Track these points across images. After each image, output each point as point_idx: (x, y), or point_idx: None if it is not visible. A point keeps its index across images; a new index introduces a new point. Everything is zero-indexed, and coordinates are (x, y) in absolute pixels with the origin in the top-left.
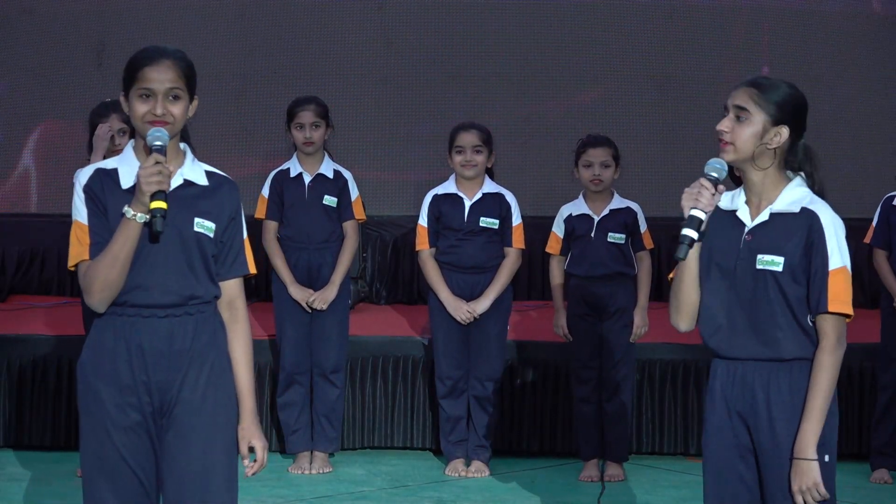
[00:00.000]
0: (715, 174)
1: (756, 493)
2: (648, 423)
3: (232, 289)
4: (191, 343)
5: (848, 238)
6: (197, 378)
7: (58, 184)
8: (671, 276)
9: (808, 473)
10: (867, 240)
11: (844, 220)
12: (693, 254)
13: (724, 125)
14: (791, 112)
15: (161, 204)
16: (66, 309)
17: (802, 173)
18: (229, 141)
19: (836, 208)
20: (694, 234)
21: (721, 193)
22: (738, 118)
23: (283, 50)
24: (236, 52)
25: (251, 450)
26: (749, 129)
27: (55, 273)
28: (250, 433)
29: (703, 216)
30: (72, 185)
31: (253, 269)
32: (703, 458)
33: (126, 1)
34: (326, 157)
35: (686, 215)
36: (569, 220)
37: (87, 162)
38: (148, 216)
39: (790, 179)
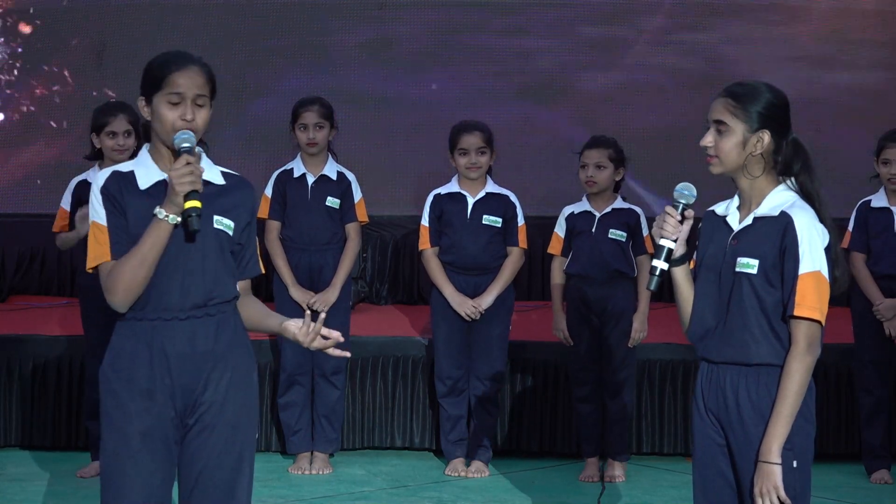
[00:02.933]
0: (683, 200)
1: (736, 488)
2: (648, 424)
3: (244, 288)
4: (213, 344)
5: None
6: (220, 379)
7: (58, 184)
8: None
9: (770, 476)
10: (844, 245)
11: (836, 219)
12: (681, 272)
13: (707, 140)
14: (769, 116)
15: (196, 203)
16: (66, 309)
17: (792, 178)
18: (230, 142)
19: (837, 209)
20: (663, 265)
21: (690, 218)
22: (718, 132)
23: (284, 50)
24: (236, 52)
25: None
26: (730, 142)
27: (55, 273)
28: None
29: (671, 245)
30: (68, 189)
31: (263, 270)
32: (692, 456)
33: (126, 1)
34: (330, 158)
35: (654, 246)
36: (570, 217)
37: (87, 163)
38: (180, 217)
39: (777, 183)
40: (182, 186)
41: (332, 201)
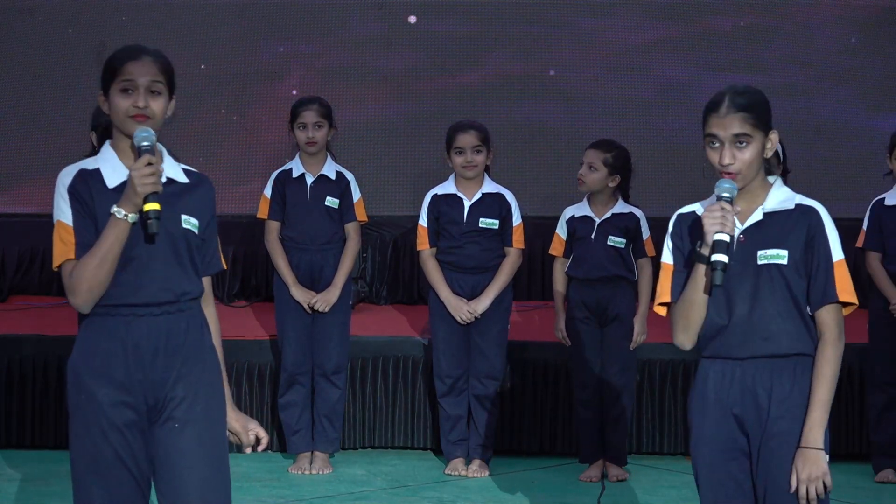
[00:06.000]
0: (728, 195)
1: (750, 495)
2: (648, 423)
3: (205, 285)
4: (184, 339)
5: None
6: (190, 373)
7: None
8: (662, 301)
9: (818, 463)
10: (859, 244)
11: (848, 220)
12: (701, 272)
13: (729, 158)
14: (770, 115)
15: (155, 206)
16: (66, 309)
17: (778, 175)
18: (229, 141)
19: (841, 209)
20: (725, 259)
21: (737, 213)
22: (739, 144)
23: (283, 50)
24: (236, 52)
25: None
26: (751, 153)
27: (55, 273)
28: (243, 419)
29: (728, 239)
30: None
31: (225, 266)
32: (694, 462)
33: (126, 1)
34: (329, 158)
35: (709, 240)
36: (571, 221)
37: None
38: (138, 217)
39: (771, 181)
40: (144, 188)
41: (331, 201)
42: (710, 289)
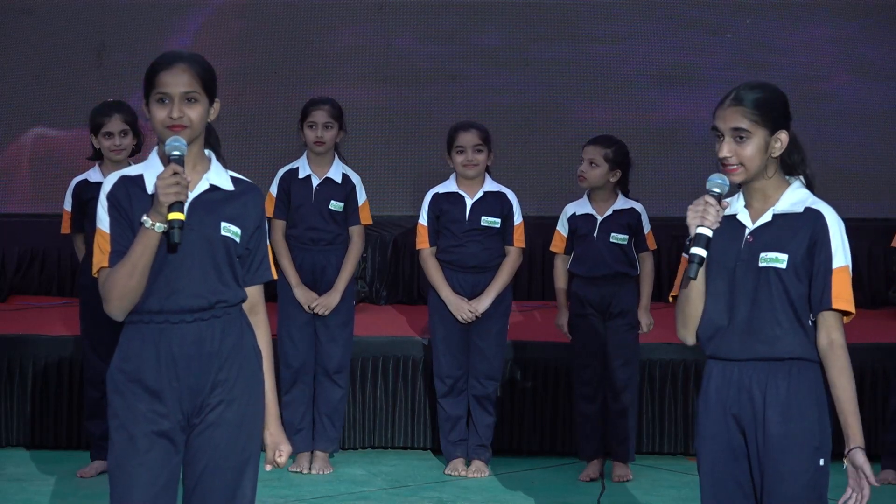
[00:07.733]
0: (717, 189)
1: (751, 495)
2: (649, 423)
3: (253, 295)
4: (219, 345)
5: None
6: (226, 379)
7: (58, 184)
8: (673, 294)
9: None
10: (894, 244)
11: (851, 220)
12: (700, 269)
13: (727, 151)
14: (782, 114)
15: (179, 215)
16: (66, 309)
17: (801, 176)
18: (229, 141)
19: (842, 209)
20: (703, 253)
21: (725, 208)
22: (738, 139)
23: (284, 50)
24: (236, 52)
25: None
26: (752, 148)
27: (55, 273)
28: (279, 438)
29: (709, 233)
30: (69, 190)
31: (275, 275)
32: (698, 460)
33: (126, 1)
34: (336, 160)
35: (692, 233)
36: (572, 218)
37: (86, 164)
38: (165, 226)
39: (789, 182)
40: (167, 197)
41: (335, 205)
42: (686, 282)
